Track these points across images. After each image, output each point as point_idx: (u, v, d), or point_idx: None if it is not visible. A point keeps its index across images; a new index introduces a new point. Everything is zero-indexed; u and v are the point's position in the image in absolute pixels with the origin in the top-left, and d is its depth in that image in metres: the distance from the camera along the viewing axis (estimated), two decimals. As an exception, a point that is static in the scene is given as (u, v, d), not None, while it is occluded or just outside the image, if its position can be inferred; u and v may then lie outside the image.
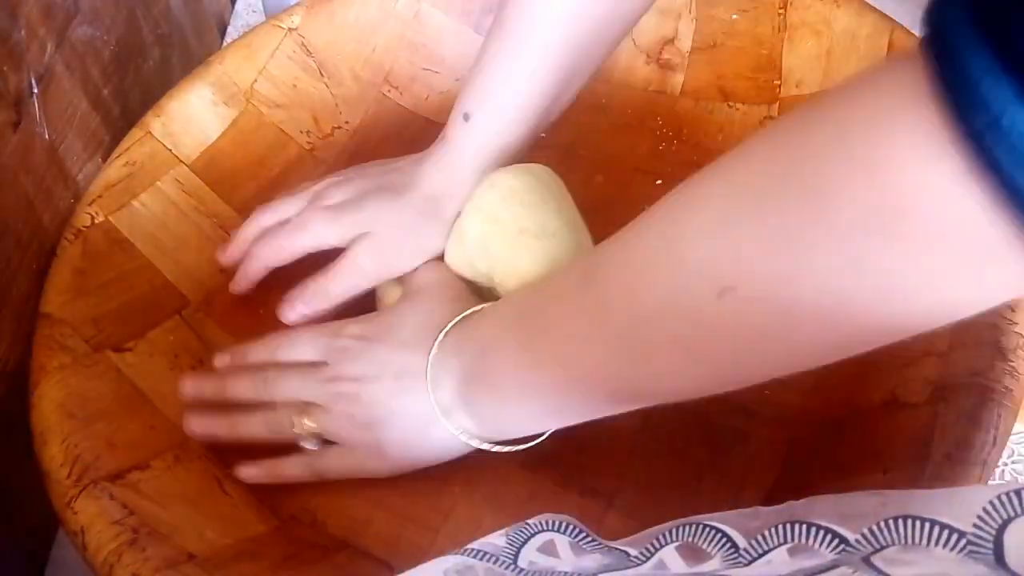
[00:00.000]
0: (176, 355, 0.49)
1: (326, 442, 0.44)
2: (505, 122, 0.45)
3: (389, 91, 0.60)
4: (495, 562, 0.32)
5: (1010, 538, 0.26)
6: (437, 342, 0.41)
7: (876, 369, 0.42)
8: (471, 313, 0.42)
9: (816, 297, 0.27)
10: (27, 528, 0.48)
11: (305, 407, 0.43)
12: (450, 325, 0.42)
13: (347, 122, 0.59)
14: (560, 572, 0.33)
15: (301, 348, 0.45)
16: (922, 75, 0.22)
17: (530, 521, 0.34)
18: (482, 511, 0.43)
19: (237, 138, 0.56)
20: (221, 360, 0.47)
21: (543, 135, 0.48)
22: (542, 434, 0.42)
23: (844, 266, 0.26)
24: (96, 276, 0.48)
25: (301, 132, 0.58)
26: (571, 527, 0.34)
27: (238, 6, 0.78)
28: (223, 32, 0.75)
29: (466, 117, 0.46)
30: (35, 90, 0.46)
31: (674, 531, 0.33)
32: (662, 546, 0.32)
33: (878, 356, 0.43)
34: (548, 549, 0.33)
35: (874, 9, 0.53)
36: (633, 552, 0.33)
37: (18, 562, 0.48)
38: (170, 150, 0.53)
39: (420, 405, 0.41)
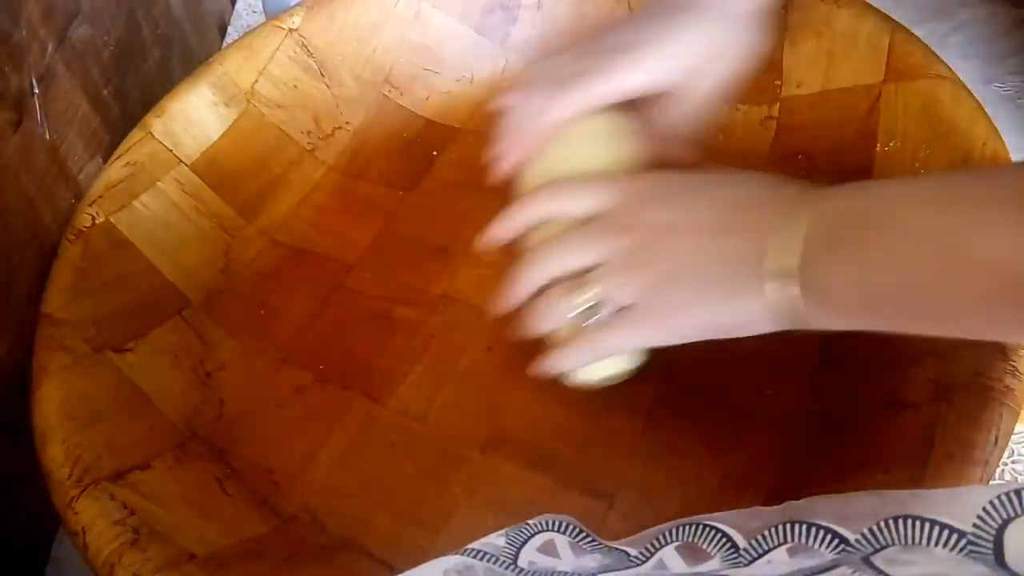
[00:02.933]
0: (177, 355, 0.49)
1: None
2: None
3: (390, 91, 0.60)
4: (495, 562, 0.32)
5: (1010, 538, 0.26)
6: (786, 205, 0.35)
7: (877, 369, 0.42)
8: (821, 189, 0.36)
9: None
10: (27, 528, 0.48)
11: (584, 279, 0.39)
12: (798, 192, 0.36)
13: (348, 122, 0.60)
14: (560, 572, 0.33)
15: (583, 197, 0.40)
16: None
17: (530, 521, 0.34)
18: (483, 511, 0.43)
19: (238, 138, 0.56)
20: (490, 235, 0.43)
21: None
22: None
23: None
24: (97, 276, 0.48)
25: (302, 132, 0.58)
26: (571, 527, 0.34)
27: (238, 6, 0.78)
28: (223, 32, 0.75)
29: None
30: (36, 90, 0.46)
31: (674, 531, 0.33)
32: (662, 546, 0.32)
33: (879, 356, 0.43)
34: (548, 549, 0.33)
35: (875, 9, 0.53)
36: (633, 552, 0.33)
37: (18, 562, 0.48)
38: (171, 150, 0.53)
39: (742, 267, 0.35)
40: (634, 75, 0.43)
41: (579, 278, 0.40)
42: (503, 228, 0.43)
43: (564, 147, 0.45)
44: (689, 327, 0.38)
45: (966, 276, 0.30)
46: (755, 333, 0.36)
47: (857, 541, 0.29)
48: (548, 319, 0.41)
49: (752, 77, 0.47)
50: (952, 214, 0.31)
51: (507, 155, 0.45)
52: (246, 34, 0.58)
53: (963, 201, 0.31)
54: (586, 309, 0.39)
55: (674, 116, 0.45)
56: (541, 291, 0.41)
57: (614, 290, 0.38)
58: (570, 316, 0.40)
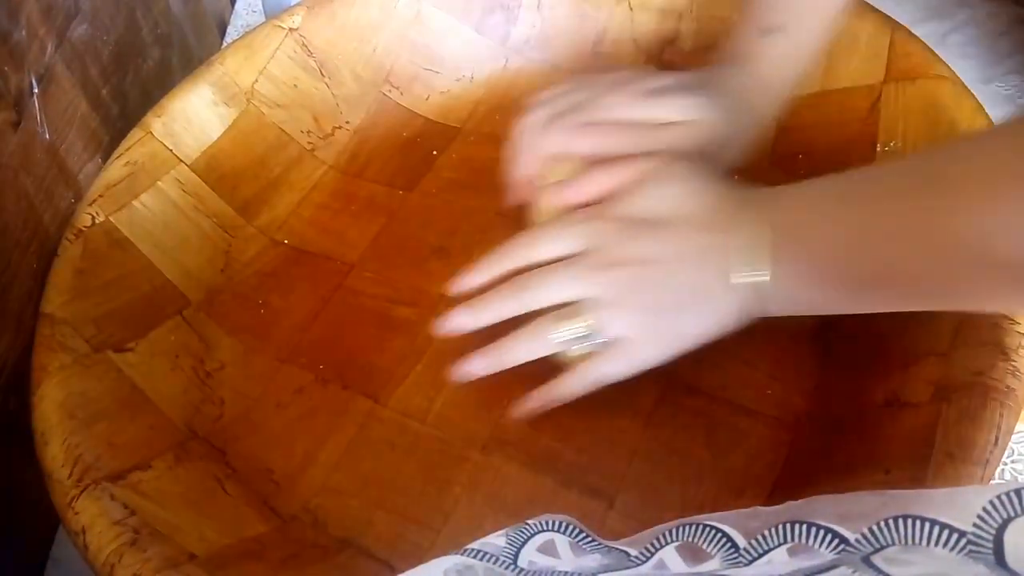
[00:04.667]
0: (177, 355, 0.49)
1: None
2: (816, 36, 0.46)
3: (390, 91, 0.60)
4: (495, 562, 0.32)
5: (1010, 538, 0.26)
6: (742, 214, 0.39)
7: (878, 369, 0.42)
8: (770, 191, 0.40)
9: None
10: (27, 528, 0.48)
11: (572, 309, 0.40)
12: (750, 199, 0.40)
13: (348, 122, 0.60)
14: (560, 572, 0.33)
15: (559, 241, 0.42)
16: None
17: (530, 521, 0.34)
18: (483, 511, 0.43)
19: (238, 138, 0.56)
20: (465, 283, 0.44)
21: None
22: None
23: None
24: (97, 276, 0.48)
25: (302, 132, 0.58)
26: (571, 527, 0.34)
27: (238, 6, 0.78)
28: (223, 32, 0.75)
29: (771, 31, 0.45)
30: (35, 90, 0.46)
31: (674, 531, 0.33)
32: (662, 546, 0.32)
33: (879, 356, 0.43)
34: (548, 549, 0.33)
35: (875, 9, 0.53)
36: (633, 552, 0.33)
37: (18, 562, 0.48)
38: (171, 150, 0.53)
39: (718, 281, 0.39)
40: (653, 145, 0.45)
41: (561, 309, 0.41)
42: (476, 277, 0.44)
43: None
44: (678, 345, 0.41)
45: (934, 251, 0.33)
46: (732, 328, 0.40)
47: (857, 541, 0.29)
48: (535, 346, 0.42)
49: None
50: (917, 196, 0.34)
51: (517, 189, 0.48)
52: (246, 34, 0.58)
53: (931, 182, 0.34)
54: (573, 339, 0.41)
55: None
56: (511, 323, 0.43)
57: (608, 323, 0.40)
58: (556, 343, 0.41)
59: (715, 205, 0.40)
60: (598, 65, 0.59)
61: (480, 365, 0.43)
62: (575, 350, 0.42)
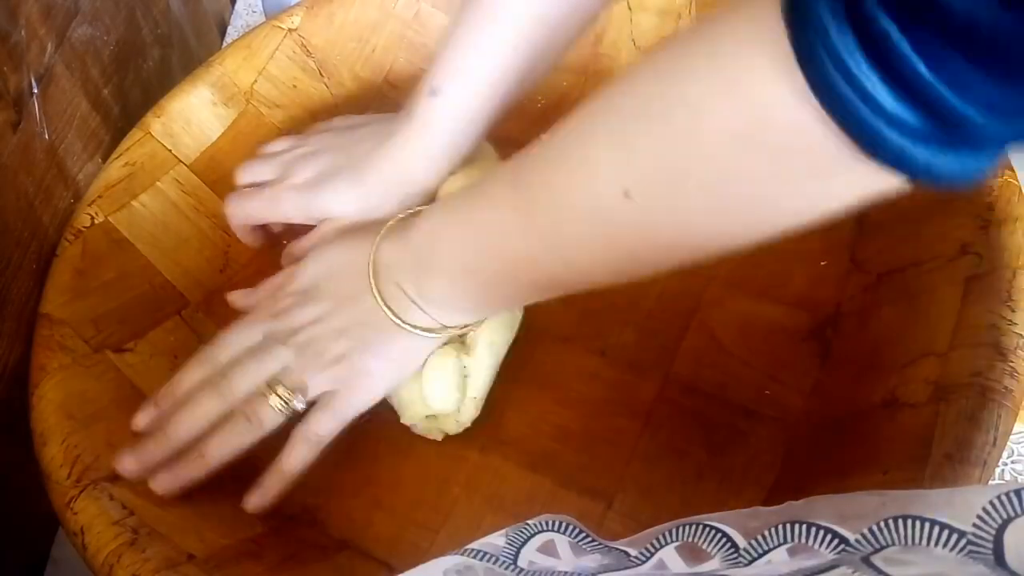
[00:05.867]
0: (176, 355, 0.49)
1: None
2: (476, 96, 0.45)
3: (389, 91, 0.60)
4: (495, 562, 0.32)
5: (1010, 538, 0.26)
6: (376, 247, 0.44)
7: (876, 369, 0.42)
8: (408, 216, 0.45)
9: (699, 200, 0.31)
10: (27, 528, 0.48)
11: (273, 383, 0.42)
12: (388, 224, 0.45)
13: (347, 122, 0.59)
14: (560, 572, 0.33)
15: (243, 336, 0.45)
16: (779, 4, 0.25)
17: (530, 521, 0.34)
18: (482, 511, 0.43)
19: (237, 138, 0.56)
20: (148, 415, 0.44)
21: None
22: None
23: (718, 172, 0.29)
24: (96, 276, 0.48)
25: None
26: (571, 527, 0.34)
27: (238, 6, 0.78)
28: (223, 32, 0.75)
29: (434, 92, 0.45)
30: (35, 90, 0.46)
31: (674, 531, 0.33)
32: (662, 546, 0.32)
33: (878, 356, 0.43)
34: (548, 549, 0.33)
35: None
36: (633, 552, 0.33)
37: (18, 562, 0.48)
38: (170, 150, 0.53)
39: (380, 317, 0.43)
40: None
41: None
42: (165, 403, 0.44)
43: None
44: (382, 384, 0.44)
45: (542, 246, 0.37)
46: (429, 347, 0.44)
47: (857, 541, 0.29)
48: (247, 433, 0.42)
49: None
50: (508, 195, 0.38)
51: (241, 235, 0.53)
52: (246, 34, 0.58)
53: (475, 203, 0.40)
54: (282, 410, 0.42)
55: None
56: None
57: (312, 384, 0.43)
58: (270, 422, 0.42)
59: (359, 257, 0.44)
60: (598, 67, 0.59)
61: (181, 478, 0.42)
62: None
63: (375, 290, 0.43)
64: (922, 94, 0.23)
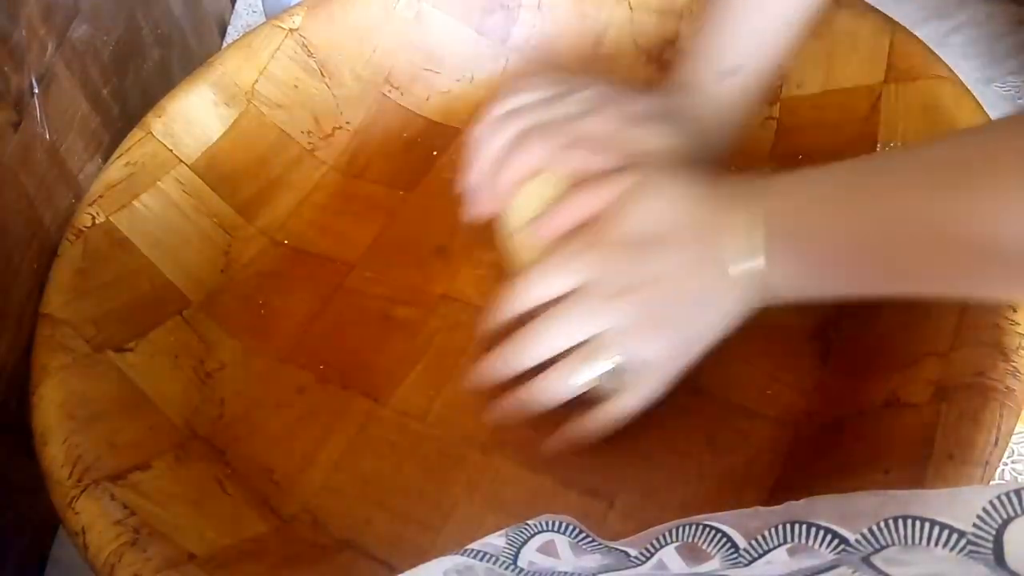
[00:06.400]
0: (177, 355, 0.49)
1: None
2: (768, 74, 0.47)
3: (390, 91, 0.60)
4: (495, 562, 0.32)
5: (1010, 538, 0.26)
6: (731, 210, 0.39)
7: (877, 369, 0.42)
8: (761, 181, 0.40)
9: None
10: (27, 528, 0.48)
11: (594, 347, 0.40)
12: (742, 191, 0.40)
13: (348, 122, 0.60)
14: (560, 572, 0.33)
15: (559, 278, 0.42)
16: None
17: (530, 521, 0.34)
18: (483, 511, 0.43)
19: (238, 138, 0.56)
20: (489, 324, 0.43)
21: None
22: None
23: None
24: (97, 276, 0.48)
25: (302, 132, 0.58)
26: (571, 527, 0.34)
27: (238, 6, 0.78)
28: (223, 32, 0.75)
29: (735, 72, 0.46)
30: (36, 90, 0.46)
31: (674, 531, 0.33)
32: (662, 546, 0.32)
33: (879, 356, 0.43)
34: (548, 549, 0.33)
35: (875, 10, 0.53)
36: (633, 552, 0.33)
37: (18, 562, 0.48)
38: (171, 150, 0.53)
39: (719, 280, 0.39)
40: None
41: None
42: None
43: (546, 184, 0.45)
44: (695, 351, 0.41)
45: (935, 240, 0.33)
46: (738, 320, 0.40)
47: (857, 541, 0.29)
48: (567, 387, 0.41)
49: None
50: (918, 183, 0.34)
51: (480, 204, 0.47)
52: (246, 34, 0.58)
53: (932, 169, 0.34)
54: (602, 375, 0.41)
55: None
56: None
57: (634, 352, 0.40)
58: (584, 383, 0.41)
59: (701, 208, 0.40)
60: (598, 67, 0.59)
61: (509, 409, 0.43)
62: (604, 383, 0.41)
63: (723, 248, 0.39)
64: None
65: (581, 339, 0.41)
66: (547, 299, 0.42)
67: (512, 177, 0.46)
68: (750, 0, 0.46)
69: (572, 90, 0.47)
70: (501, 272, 0.52)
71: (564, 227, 0.43)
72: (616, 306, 0.40)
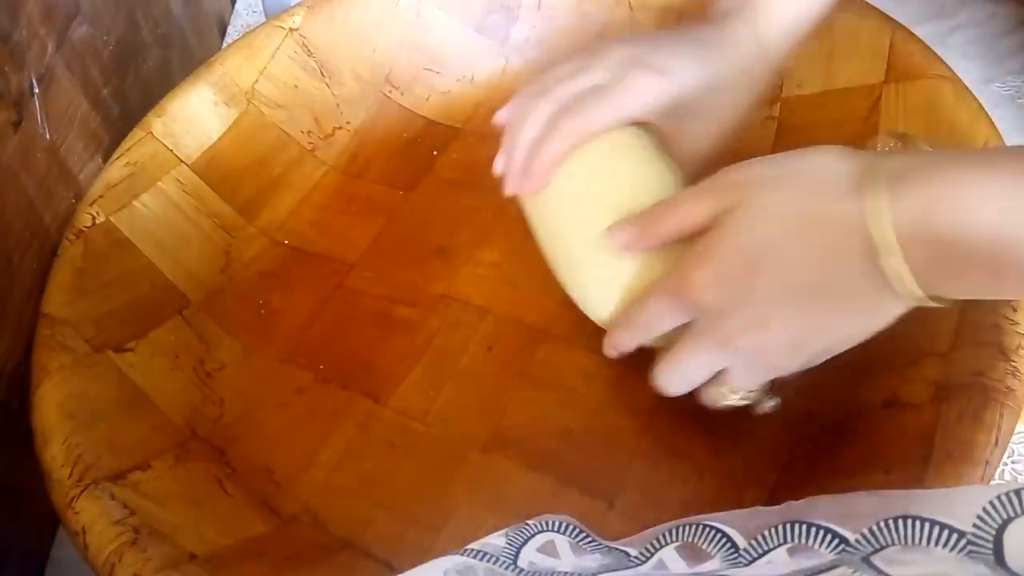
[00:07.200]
0: (177, 355, 0.49)
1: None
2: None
3: (390, 91, 0.60)
4: (495, 562, 0.32)
5: (1010, 538, 0.26)
6: (871, 190, 0.34)
7: (877, 369, 0.42)
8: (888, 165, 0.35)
9: None
10: (27, 528, 0.48)
11: (724, 371, 0.39)
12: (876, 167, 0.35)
13: (348, 122, 0.60)
14: (560, 572, 0.33)
15: (672, 315, 0.40)
16: None
17: (530, 521, 0.34)
18: (483, 511, 0.43)
19: (238, 138, 0.56)
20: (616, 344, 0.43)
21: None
22: None
23: None
24: (97, 276, 0.48)
25: (302, 132, 0.58)
26: (571, 527, 0.34)
27: (238, 6, 0.78)
28: (223, 32, 0.75)
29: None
30: (36, 90, 0.46)
31: (674, 531, 0.33)
32: (662, 546, 0.32)
33: (879, 356, 0.43)
34: (548, 549, 0.33)
35: (875, 9, 0.53)
36: (633, 552, 0.33)
37: (18, 562, 0.48)
38: (171, 150, 0.53)
39: (853, 287, 0.36)
40: (644, 97, 0.43)
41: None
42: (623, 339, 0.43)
43: (584, 163, 0.44)
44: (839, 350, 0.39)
45: None
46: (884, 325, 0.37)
47: (857, 541, 0.29)
48: (718, 403, 0.42)
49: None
50: None
51: (515, 183, 0.45)
52: (246, 34, 0.58)
53: None
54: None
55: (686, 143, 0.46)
56: None
57: (768, 377, 0.40)
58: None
59: (818, 213, 0.36)
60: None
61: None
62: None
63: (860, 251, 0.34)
64: None
65: (709, 374, 0.40)
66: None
67: (550, 160, 0.44)
68: None
69: (599, 57, 0.45)
70: (501, 272, 0.52)
71: (668, 236, 0.40)
72: (742, 341, 0.38)
